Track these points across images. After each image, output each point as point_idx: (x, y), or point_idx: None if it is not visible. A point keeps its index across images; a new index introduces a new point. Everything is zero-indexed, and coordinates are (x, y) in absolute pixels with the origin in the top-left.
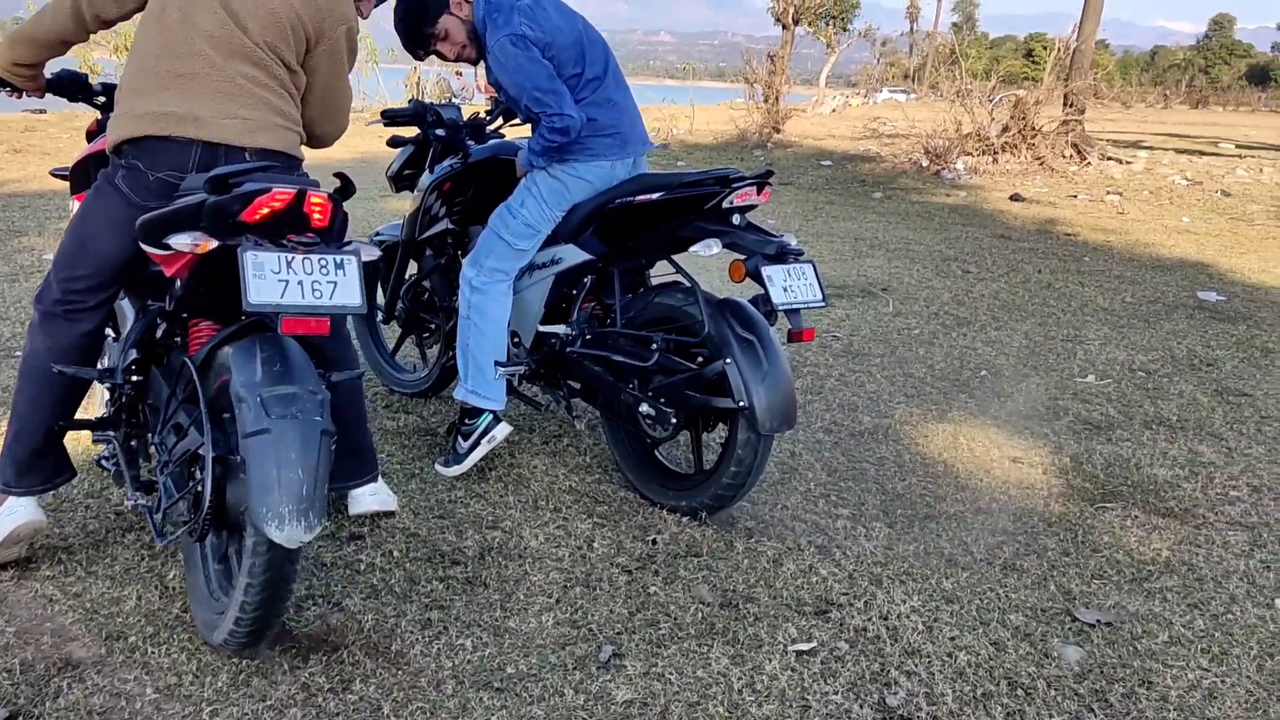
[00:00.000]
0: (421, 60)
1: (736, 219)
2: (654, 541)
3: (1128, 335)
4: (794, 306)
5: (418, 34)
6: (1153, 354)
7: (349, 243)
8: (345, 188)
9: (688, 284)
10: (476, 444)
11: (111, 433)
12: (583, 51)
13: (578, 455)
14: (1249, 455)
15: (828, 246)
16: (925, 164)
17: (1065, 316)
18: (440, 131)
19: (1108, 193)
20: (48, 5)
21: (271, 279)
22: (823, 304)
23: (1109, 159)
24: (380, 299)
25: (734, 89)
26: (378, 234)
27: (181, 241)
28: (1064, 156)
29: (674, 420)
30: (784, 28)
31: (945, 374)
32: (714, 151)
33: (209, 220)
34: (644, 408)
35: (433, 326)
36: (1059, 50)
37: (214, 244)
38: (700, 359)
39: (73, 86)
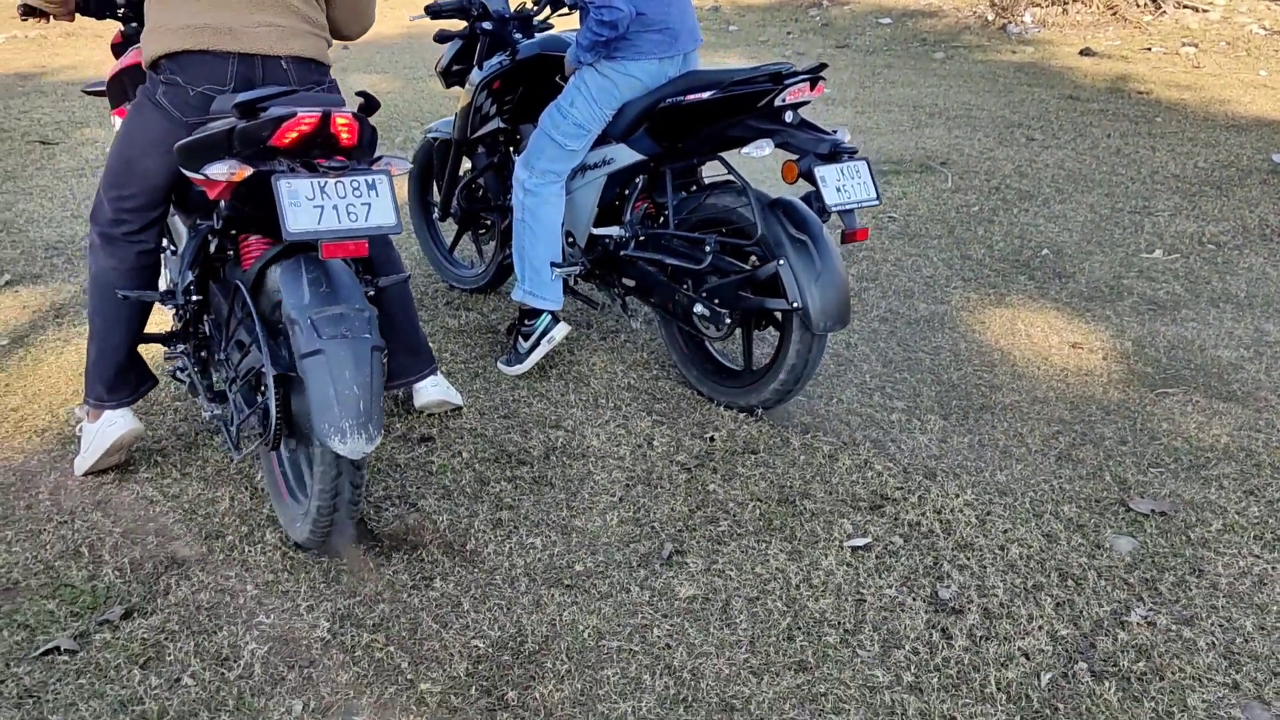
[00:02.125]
0: None
1: (789, 116)
2: (712, 439)
3: (1199, 204)
4: (848, 207)
5: None
6: (1224, 224)
7: (379, 158)
8: (369, 104)
9: (739, 184)
10: (536, 344)
11: (181, 346)
12: None
13: (635, 351)
14: None
15: (885, 117)
16: (991, 18)
17: (1134, 186)
18: (486, 25)
19: (1183, 44)
20: None
21: (307, 206)
22: (876, 202)
23: (1185, 7)
24: (436, 196)
25: None
26: (431, 129)
27: (218, 171)
28: (1138, 5)
29: (728, 321)
30: None
31: (1005, 254)
32: (767, 13)
33: (241, 146)
34: (698, 308)
35: (488, 223)
36: None
37: (249, 171)
38: (754, 260)
39: (98, 4)
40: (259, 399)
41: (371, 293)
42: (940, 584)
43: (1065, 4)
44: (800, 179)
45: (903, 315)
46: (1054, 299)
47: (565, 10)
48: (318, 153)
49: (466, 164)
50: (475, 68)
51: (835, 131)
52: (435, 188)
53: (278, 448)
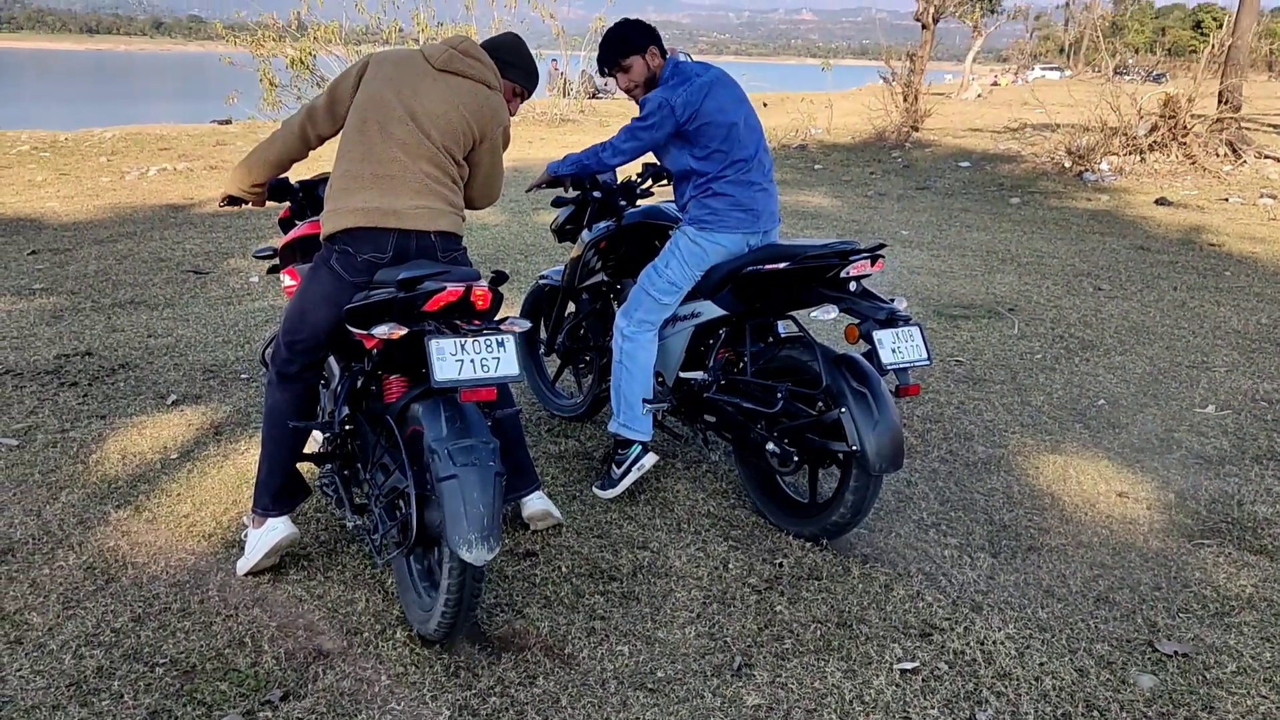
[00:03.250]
0: (604, 76)
1: (853, 286)
2: (781, 564)
3: (1256, 361)
4: (901, 366)
5: (610, 56)
6: (1278, 382)
7: (505, 319)
8: (499, 278)
9: (809, 340)
10: (628, 471)
11: (329, 465)
12: (737, 135)
13: (714, 481)
14: None
15: (959, 261)
16: (1068, 165)
17: (1195, 340)
18: (597, 194)
19: (1261, 195)
20: (276, 132)
21: (450, 360)
22: (927, 362)
23: (1266, 157)
24: (543, 334)
25: (877, 65)
26: (544, 276)
27: (381, 331)
28: (1217, 155)
29: (795, 458)
30: (924, 27)
31: (1063, 403)
32: (851, 153)
33: (399, 312)
34: (770, 446)
35: (587, 360)
36: (1213, 47)
37: (404, 331)
38: (819, 406)
39: (281, 191)
40: (398, 513)
41: (489, 423)
42: (979, 708)
43: (1143, 153)
44: (860, 340)
45: (961, 457)
46: (1106, 448)
47: (665, 181)
48: (458, 316)
49: (571, 307)
50: (585, 229)
51: (892, 300)
52: (542, 326)
53: (411, 554)
